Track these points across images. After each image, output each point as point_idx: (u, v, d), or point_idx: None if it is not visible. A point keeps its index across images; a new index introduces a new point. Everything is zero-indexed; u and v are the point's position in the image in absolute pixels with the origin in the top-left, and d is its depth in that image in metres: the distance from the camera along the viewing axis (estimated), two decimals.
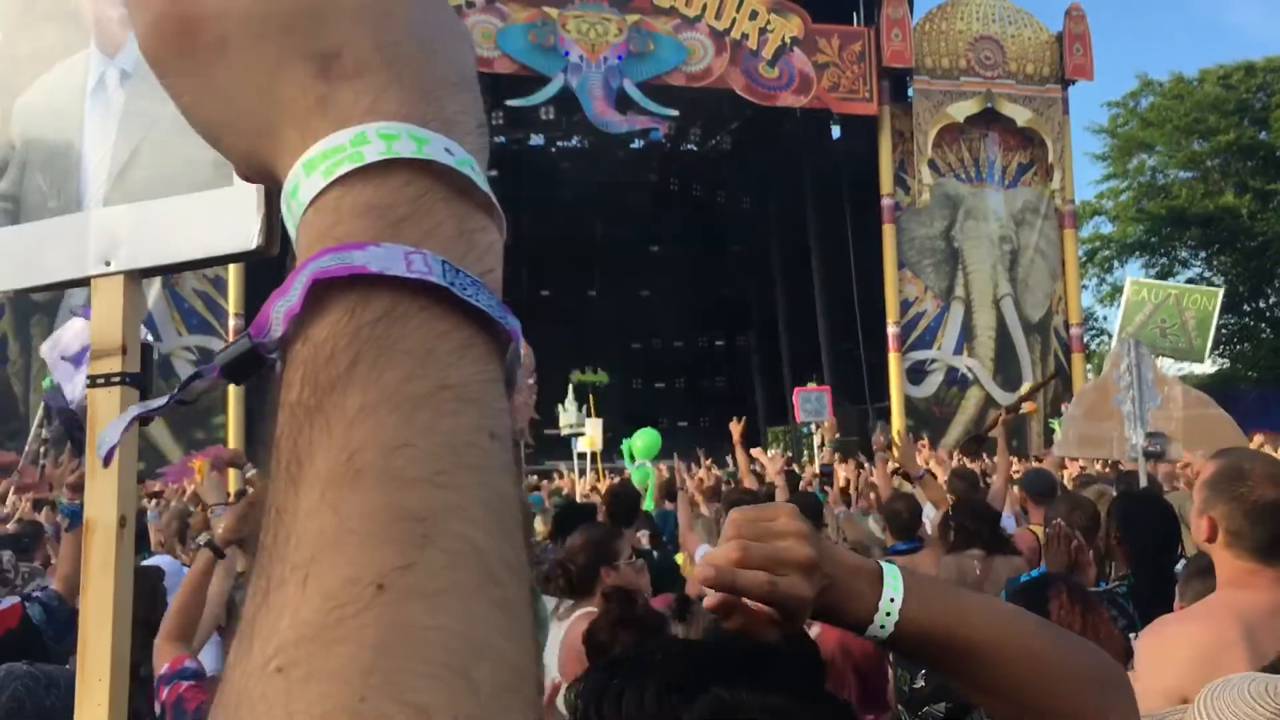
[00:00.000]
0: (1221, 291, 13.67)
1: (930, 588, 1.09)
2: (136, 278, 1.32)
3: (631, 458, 13.90)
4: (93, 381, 1.30)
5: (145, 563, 4.46)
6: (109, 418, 1.26)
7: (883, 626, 1.03)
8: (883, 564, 1.08)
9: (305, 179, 0.47)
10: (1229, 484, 2.28)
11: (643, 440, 13.96)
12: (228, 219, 1.21)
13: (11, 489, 10.89)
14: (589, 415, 15.18)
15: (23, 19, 1.46)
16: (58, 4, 1.42)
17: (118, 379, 1.30)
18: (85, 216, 1.34)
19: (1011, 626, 1.09)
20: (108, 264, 1.31)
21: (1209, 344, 14.36)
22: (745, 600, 1.00)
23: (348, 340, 0.44)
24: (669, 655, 1.02)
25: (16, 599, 3.86)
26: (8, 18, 1.46)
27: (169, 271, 1.34)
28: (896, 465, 8.42)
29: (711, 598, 1.01)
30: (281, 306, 0.46)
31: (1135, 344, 5.97)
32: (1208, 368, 33.20)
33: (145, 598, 3.64)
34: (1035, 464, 15.46)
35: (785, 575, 0.99)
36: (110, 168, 1.33)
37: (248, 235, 1.20)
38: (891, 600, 1.03)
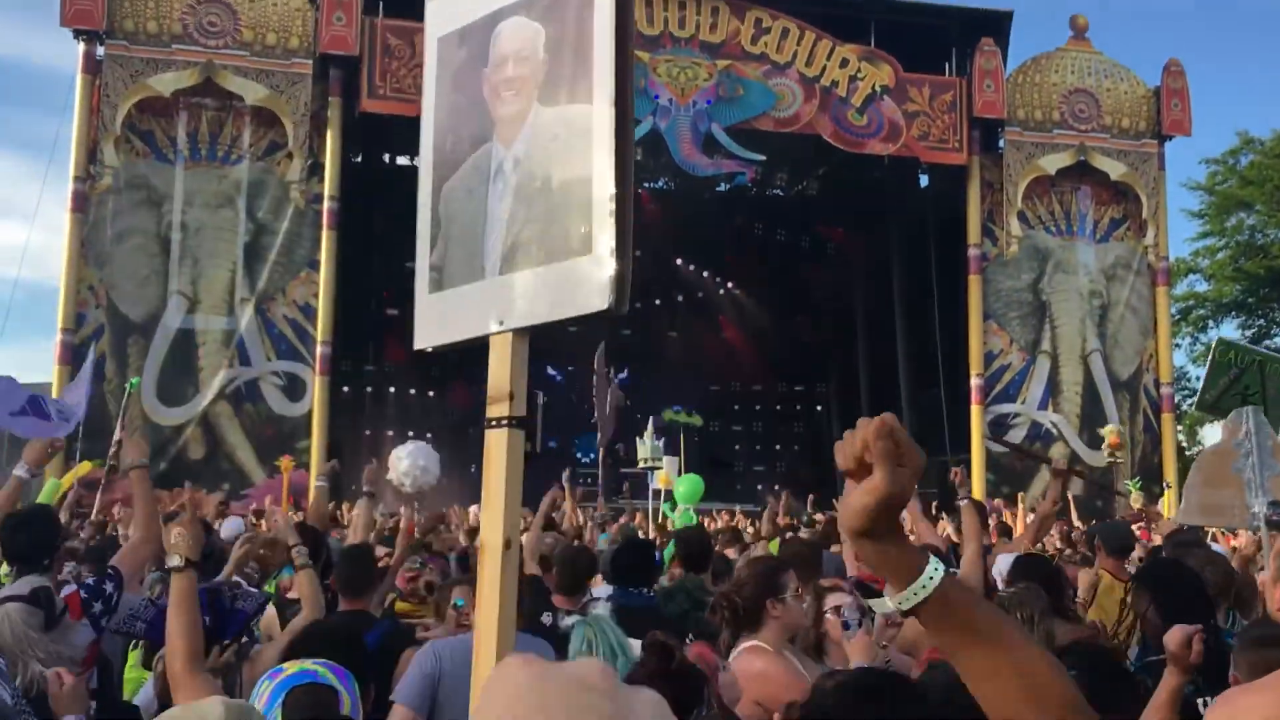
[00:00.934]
0: None
1: (961, 583, 1.30)
2: (522, 334, 1.59)
3: (673, 504, 13.63)
4: (488, 423, 1.58)
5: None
6: (500, 457, 1.56)
7: (924, 586, 1.24)
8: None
9: None
10: None
11: (685, 486, 13.73)
12: (587, 283, 1.46)
13: (99, 500, 11.27)
14: (672, 453, 15.18)
15: (449, 125, 1.75)
16: (476, 114, 1.69)
17: (506, 422, 1.56)
18: (486, 283, 1.62)
19: (1018, 634, 1.29)
20: (500, 323, 1.59)
21: None
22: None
23: None
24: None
25: (74, 587, 3.98)
26: (451, 134, 1.76)
27: (541, 327, 1.60)
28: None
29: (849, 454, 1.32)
30: None
31: (1254, 411, 5.96)
32: None
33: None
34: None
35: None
36: (504, 241, 1.61)
37: (601, 295, 1.44)
38: (935, 570, 1.25)
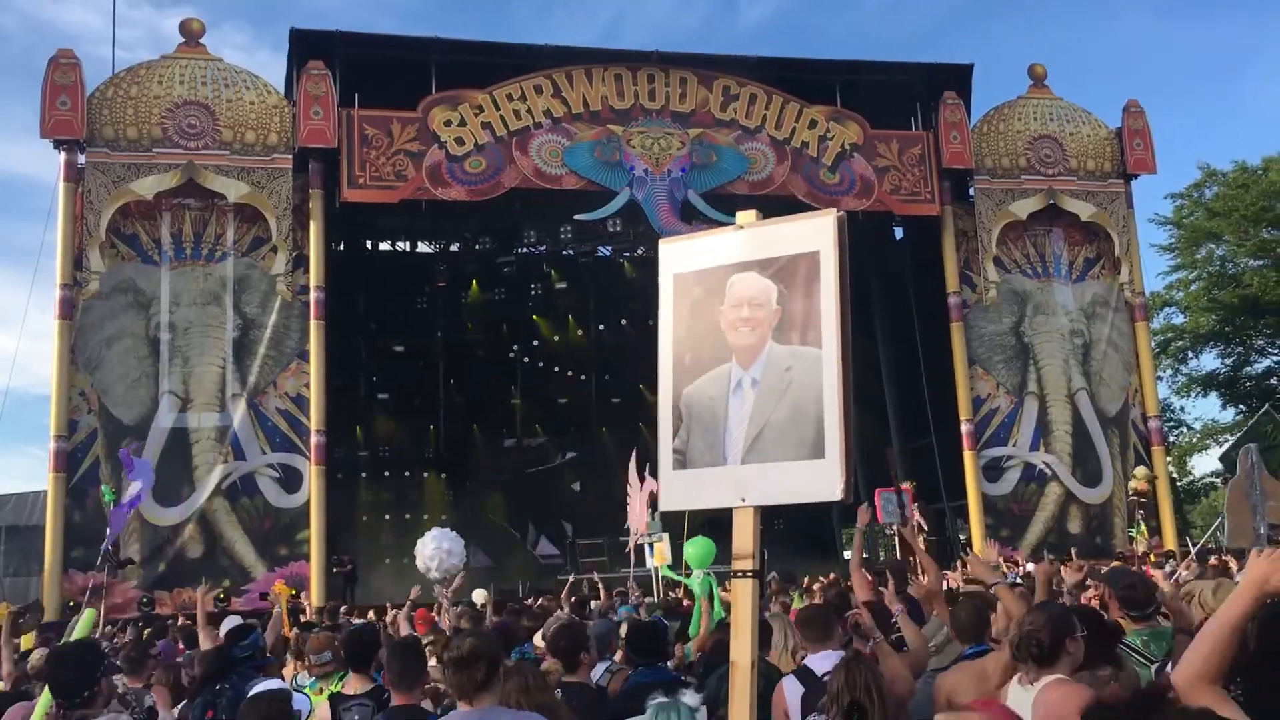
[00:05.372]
0: None
1: None
2: (757, 510, 2.23)
3: (685, 568, 13.52)
4: (735, 574, 2.24)
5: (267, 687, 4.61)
6: (745, 599, 2.22)
7: None
8: None
9: None
10: None
11: (695, 549, 13.64)
12: (823, 478, 2.09)
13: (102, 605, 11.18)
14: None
15: (687, 343, 2.45)
16: (713, 339, 2.37)
17: (749, 574, 2.21)
18: (727, 469, 2.24)
19: None
20: (743, 500, 2.21)
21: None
22: None
23: None
24: None
25: None
26: (689, 352, 2.46)
27: (774, 504, 2.28)
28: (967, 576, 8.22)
29: None
30: None
31: (1254, 449, 6.42)
32: None
33: None
34: (1115, 563, 15.16)
35: None
36: (745, 438, 2.23)
37: (835, 490, 2.08)
38: None
